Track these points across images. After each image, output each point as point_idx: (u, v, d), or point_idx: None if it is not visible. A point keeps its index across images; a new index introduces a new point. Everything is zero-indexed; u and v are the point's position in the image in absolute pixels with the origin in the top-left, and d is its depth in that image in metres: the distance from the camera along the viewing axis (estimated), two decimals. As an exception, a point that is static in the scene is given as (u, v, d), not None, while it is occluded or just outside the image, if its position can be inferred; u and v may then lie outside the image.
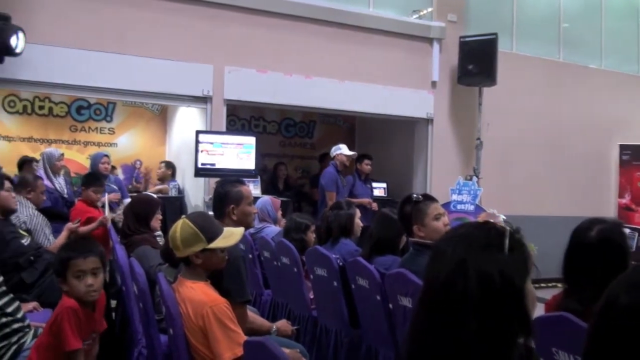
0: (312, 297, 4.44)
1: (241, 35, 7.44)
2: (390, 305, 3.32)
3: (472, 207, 7.33)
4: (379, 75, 8.24)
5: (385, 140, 9.69)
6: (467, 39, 8.40)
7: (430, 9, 8.87)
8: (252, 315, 3.37)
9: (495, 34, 8.29)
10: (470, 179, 7.73)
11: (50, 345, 2.63)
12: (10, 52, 5.81)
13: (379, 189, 9.07)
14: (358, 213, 4.67)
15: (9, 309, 3.06)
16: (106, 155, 7.03)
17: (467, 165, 8.71)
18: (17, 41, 5.79)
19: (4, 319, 3.00)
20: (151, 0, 7.05)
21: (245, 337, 2.59)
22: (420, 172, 8.88)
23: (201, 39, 7.26)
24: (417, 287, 2.92)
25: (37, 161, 7.49)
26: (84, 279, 2.67)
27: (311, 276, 4.33)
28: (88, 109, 9.52)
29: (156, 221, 4.54)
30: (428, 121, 8.73)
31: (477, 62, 8.24)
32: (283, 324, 3.49)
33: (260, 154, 7.56)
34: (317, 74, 7.84)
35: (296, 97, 7.81)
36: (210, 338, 2.58)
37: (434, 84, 8.70)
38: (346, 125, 10.88)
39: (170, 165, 8.39)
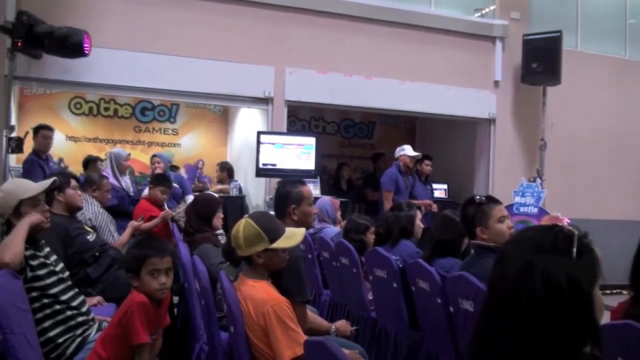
0: (371, 298, 4.43)
1: (302, 37, 7.50)
2: (451, 309, 3.28)
3: (535, 210, 7.16)
4: (440, 75, 8.16)
5: (446, 141, 9.59)
6: (531, 37, 8.24)
7: (492, 7, 8.73)
8: (312, 315, 3.38)
9: (560, 31, 8.10)
10: (534, 181, 7.55)
11: (117, 338, 2.69)
12: (80, 53, 6.03)
13: (439, 191, 8.97)
14: (419, 215, 4.63)
15: (74, 303, 3.16)
16: (155, 156, 7.22)
17: (531, 166, 8.53)
18: (86, 49, 6.03)
19: (69, 312, 3.10)
20: (213, 3, 7.18)
21: (305, 337, 2.60)
22: (482, 173, 8.76)
23: (263, 41, 7.35)
24: (478, 290, 2.88)
25: (101, 160, 7.72)
26: (158, 277, 2.74)
27: (370, 277, 4.31)
28: (152, 111, 9.76)
29: (218, 220, 4.62)
30: (490, 121, 8.59)
31: (541, 60, 8.08)
32: (342, 324, 3.49)
33: (320, 155, 7.59)
34: (377, 74, 7.83)
35: (356, 97, 7.81)
36: (271, 337, 2.60)
37: (496, 83, 8.56)
38: (406, 125, 10.82)
39: (225, 167, 8.47)
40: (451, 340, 3.36)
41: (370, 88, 7.81)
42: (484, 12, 8.78)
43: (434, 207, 7.52)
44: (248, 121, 8.71)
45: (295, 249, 2.95)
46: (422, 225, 4.66)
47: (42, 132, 6.55)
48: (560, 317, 1.27)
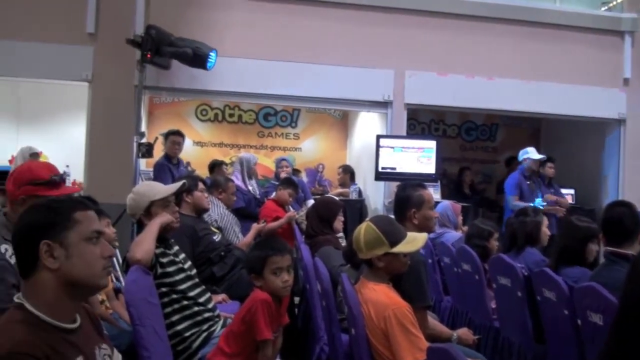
0: (494, 306, 4.29)
1: (421, 39, 7.41)
2: (579, 321, 3.11)
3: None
4: (565, 73, 7.77)
5: (573, 143, 9.13)
6: (664, 30, 7.67)
7: (620, 0, 8.21)
8: (432, 321, 3.32)
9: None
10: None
11: (241, 334, 2.76)
12: (203, 62, 6.32)
13: (566, 196, 8.56)
14: (545, 221, 4.44)
15: (201, 299, 3.28)
16: (284, 160, 7.36)
17: (665, 170, 7.95)
18: (212, 59, 6.32)
19: (195, 308, 3.22)
20: (333, 10, 7.25)
21: (426, 343, 2.56)
22: (612, 177, 8.25)
23: (382, 44, 7.33)
24: (609, 303, 2.71)
25: (226, 164, 7.99)
26: (281, 275, 2.77)
27: (494, 285, 4.18)
28: (274, 116, 9.99)
29: (338, 223, 4.65)
30: (620, 122, 8.07)
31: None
32: (464, 332, 3.40)
33: (440, 158, 7.47)
34: (500, 74, 7.59)
35: (478, 99, 7.62)
36: (392, 341, 2.58)
37: (625, 81, 8.01)
38: (531, 127, 10.42)
39: (348, 170, 8.54)
40: (579, 356, 3.18)
41: (492, 89, 7.59)
42: (611, 5, 8.25)
43: (560, 211, 7.12)
44: (368, 125, 8.72)
45: (416, 253, 2.92)
46: (548, 232, 4.47)
47: (172, 138, 6.87)
48: None
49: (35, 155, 7.29)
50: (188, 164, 6.96)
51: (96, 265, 1.75)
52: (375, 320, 2.65)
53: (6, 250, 2.45)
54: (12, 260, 2.37)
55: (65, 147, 8.22)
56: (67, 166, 7.39)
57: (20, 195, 2.61)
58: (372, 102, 7.48)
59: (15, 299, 1.69)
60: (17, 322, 1.61)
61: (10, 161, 8.08)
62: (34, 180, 2.63)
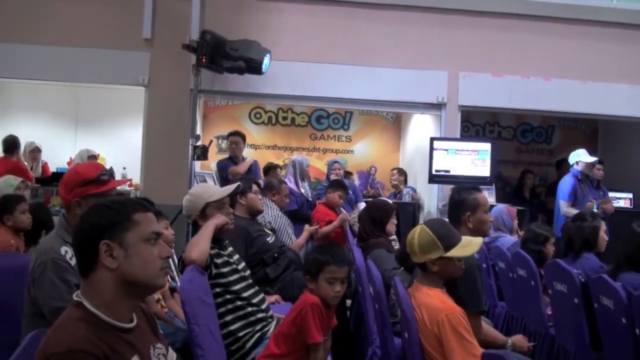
0: (549, 313, 4.20)
1: (475, 40, 7.32)
2: (637, 331, 3.02)
3: None
4: (624, 73, 7.52)
5: (632, 145, 8.86)
6: None
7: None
8: (486, 327, 3.27)
9: None
10: None
11: (290, 336, 2.77)
12: (257, 71, 6.38)
13: (624, 200, 8.32)
14: (603, 226, 4.31)
15: (254, 300, 3.31)
16: (336, 162, 7.35)
17: None
18: (266, 62, 6.38)
19: (249, 308, 3.25)
20: (385, 12, 7.24)
21: (480, 349, 2.53)
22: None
23: (435, 46, 7.28)
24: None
25: (280, 167, 8.06)
26: (334, 284, 2.76)
27: (549, 291, 4.09)
28: (327, 119, 10.02)
29: (391, 226, 4.63)
30: (682, 123, 7.79)
31: None
32: (519, 339, 3.33)
33: (495, 161, 7.36)
34: (557, 75, 7.42)
35: (534, 100, 7.46)
36: (445, 346, 2.55)
37: (689, 80, 7.73)
38: (588, 129, 10.16)
39: (402, 172, 8.51)
40: (637, 365, 3.09)
41: (549, 90, 7.41)
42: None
43: (609, 207, 6.84)
44: (421, 127, 8.66)
45: (470, 257, 2.88)
46: (606, 237, 4.34)
47: (230, 138, 7.04)
48: None
49: (93, 157, 7.51)
50: (254, 163, 7.05)
51: (154, 265, 1.78)
52: (428, 325, 2.63)
53: (66, 252, 2.52)
54: (73, 262, 2.45)
55: (122, 150, 8.43)
56: (124, 168, 7.60)
57: (73, 198, 2.68)
58: (425, 104, 7.42)
59: (75, 297, 1.73)
60: (77, 320, 1.65)
61: (68, 163, 8.34)
62: (82, 182, 2.69)
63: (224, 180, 6.56)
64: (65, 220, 2.69)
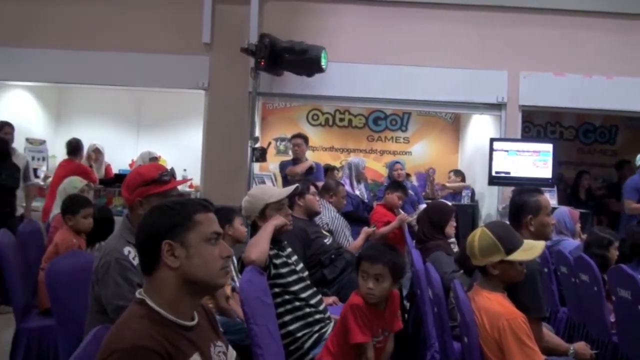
0: (613, 320, 4.06)
1: (536, 38, 7.18)
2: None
3: None
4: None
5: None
6: None
7: None
8: (548, 333, 3.19)
9: None
10: None
11: (340, 337, 2.80)
12: (316, 69, 6.41)
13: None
14: (669, 229, 4.16)
15: (312, 301, 3.33)
16: (398, 163, 7.30)
17: None
18: (324, 60, 6.41)
19: (307, 309, 3.27)
20: (443, 11, 7.19)
21: (542, 356, 2.48)
22: None
23: (494, 45, 7.17)
24: None
25: (337, 169, 8.06)
26: (367, 281, 2.79)
27: (613, 297, 3.96)
28: (384, 120, 9.98)
29: (450, 228, 4.57)
30: None
31: None
32: (582, 346, 3.23)
33: (557, 162, 7.19)
34: (620, 73, 7.18)
35: (597, 100, 7.25)
36: (506, 352, 2.51)
37: None
38: (654, 130, 9.83)
39: (459, 173, 8.40)
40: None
41: (612, 89, 7.18)
42: None
43: None
44: (480, 128, 8.54)
45: (532, 262, 2.82)
46: (672, 241, 4.19)
47: (292, 141, 7.10)
48: None
49: (154, 159, 7.69)
50: (315, 165, 7.10)
51: (215, 265, 1.80)
52: (488, 330, 2.59)
53: (129, 252, 2.58)
54: (135, 262, 2.51)
55: (182, 152, 8.59)
56: (185, 170, 7.74)
57: (135, 199, 2.74)
58: (485, 104, 7.32)
59: (137, 295, 1.77)
60: (139, 317, 1.69)
61: (130, 165, 8.55)
62: (144, 182, 2.75)
63: (285, 181, 6.63)
64: (128, 221, 2.75)
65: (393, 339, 2.98)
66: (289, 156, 7.39)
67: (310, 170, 6.81)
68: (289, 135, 7.38)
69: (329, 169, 7.77)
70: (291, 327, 3.19)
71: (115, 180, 7.76)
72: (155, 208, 1.88)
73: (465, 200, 7.74)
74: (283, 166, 6.97)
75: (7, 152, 6.36)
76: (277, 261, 3.27)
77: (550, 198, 6.35)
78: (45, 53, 7.33)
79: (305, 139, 7.12)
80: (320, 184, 5.76)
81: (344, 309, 2.82)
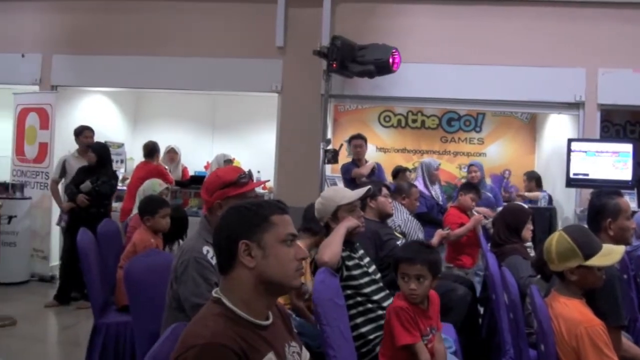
0: (697, 329, 3.88)
1: (614, 34, 6.92)
2: None
3: None
4: None
5: None
6: None
7: None
8: (627, 342, 3.07)
9: None
10: None
11: (389, 342, 2.81)
12: (386, 71, 6.41)
13: None
14: None
15: (385, 303, 3.30)
16: (472, 165, 7.19)
17: None
18: (394, 60, 6.38)
19: (380, 312, 3.24)
20: (515, 7, 7.07)
21: (621, 365, 2.41)
22: None
23: (571, 41, 6.96)
24: None
25: (409, 170, 8.01)
26: (409, 282, 2.78)
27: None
28: (458, 121, 9.84)
29: (527, 232, 4.47)
30: None
31: None
32: (662, 357, 3.12)
33: (637, 163, 6.92)
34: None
35: (680, 97, 6.93)
36: (583, 361, 2.45)
37: None
38: None
39: (532, 176, 8.16)
40: None
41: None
42: None
43: None
44: (557, 128, 8.31)
45: (611, 267, 2.74)
46: None
47: (352, 142, 7.08)
48: None
49: (228, 161, 7.84)
50: (377, 165, 7.09)
51: (290, 266, 1.83)
52: (566, 338, 2.53)
53: (207, 251, 2.66)
54: (213, 261, 2.57)
55: (256, 154, 8.74)
56: (259, 172, 7.85)
57: (215, 200, 2.82)
58: (562, 103, 7.12)
59: (214, 294, 1.82)
60: (216, 315, 1.73)
61: (205, 167, 8.75)
62: (223, 184, 2.83)
63: (347, 182, 6.63)
64: (206, 222, 2.83)
65: (442, 340, 2.95)
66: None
67: (372, 171, 6.81)
68: (360, 134, 7.35)
69: (400, 171, 7.73)
70: (363, 329, 3.19)
71: (191, 182, 7.95)
72: (232, 209, 1.92)
73: (542, 203, 7.54)
74: (346, 169, 6.93)
75: (107, 159, 6.64)
76: (350, 263, 3.28)
77: (630, 201, 6.14)
78: (123, 60, 7.66)
79: (365, 139, 7.13)
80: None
81: (388, 314, 2.82)
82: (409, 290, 2.78)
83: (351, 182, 6.49)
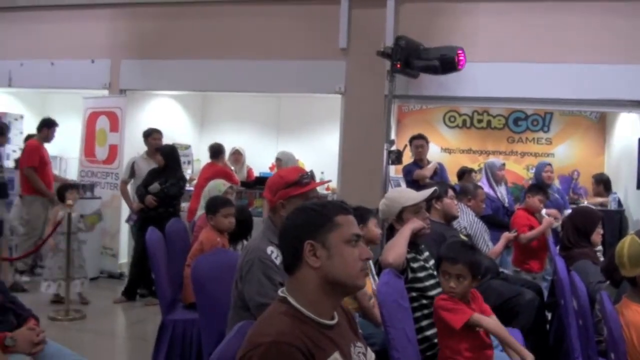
0: None
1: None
2: None
3: None
4: None
5: None
6: None
7: None
8: None
9: None
10: None
11: (447, 337, 2.82)
12: (451, 68, 6.35)
13: None
14: None
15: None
16: (549, 165, 7.00)
17: None
18: (460, 58, 6.31)
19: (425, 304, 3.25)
20: (582, 3, 6.87)
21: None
22: None
23: (632, 36, 6.70)
24: None
25: (475, 171, 7.89)
26: (449, 280, 2.81)
27: None
28: (525, 120, 9.64)
29: (597, 235, 4.36)
30: None
31: None
32: None
33: None
34: None
35: None
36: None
37: None
38: None
39: (600, 180, 7.88)
40: None
41: None
42: None
43: None
44: (628, 127, 8.04)
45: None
46: None
47: (414, 142, 7.06)
48: None
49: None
50: (439, 166, 7.01)
51: (354, 266, 1.84)
52: (637, 347, 2.46)
53: (272, 251, 2.70)
54: (278, 261, 2.61)
55: (320, 155, 8.77)
56: (322, 172, 7.90)
57: (278, 200, 2.87)
58: (633, 101, 6.86)
59: (280, 293, 1.85)
60: (282, 314, 1.76)
61: (271, 168, 8.85)
62: (286, 184, 2.86)
63: (409, 184, 6.59)
64: (271, 222, 2.87)
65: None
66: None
67: (435, 171, 6.74)
68: (421, 134, 7.29)
69: (466, 172, 7.63)
70: (428, 333, 3.18)
71: (256, 183, 8.06)
72: (298, 209, 1.96)
73: (612, 206, 7.30)
74: (408, 171, 6.90)
75: (175, 161, 6.79)
76: (415, 265, 3.27)
77: None
78: (189, 64, 7.85)
79: (426, 139, 7.06)
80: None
81: (435, 312, 2.87)
82: (448, 288, 2.82)
83: (413, 184, 6.44)
